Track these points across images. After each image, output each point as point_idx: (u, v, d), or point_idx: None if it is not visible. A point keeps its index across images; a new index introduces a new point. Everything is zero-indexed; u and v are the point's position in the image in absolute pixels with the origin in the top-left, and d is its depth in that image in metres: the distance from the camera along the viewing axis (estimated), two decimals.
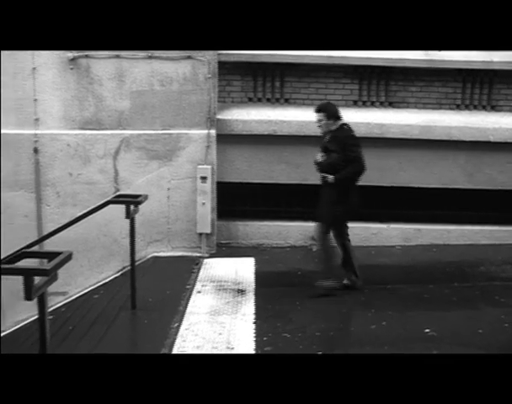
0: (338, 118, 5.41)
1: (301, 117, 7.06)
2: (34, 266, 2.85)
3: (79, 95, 6.78)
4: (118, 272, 6.91)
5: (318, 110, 5.45)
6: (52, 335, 5.80)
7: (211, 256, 6.87)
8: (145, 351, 4.49)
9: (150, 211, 6.49)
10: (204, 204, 6.78)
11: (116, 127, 6.77)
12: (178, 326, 4.80)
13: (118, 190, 6.68)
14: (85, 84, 6.80)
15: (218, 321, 4.93)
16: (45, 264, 2.91)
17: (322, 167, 5.46)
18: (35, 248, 4.74)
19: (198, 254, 6.87)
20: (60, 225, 5.39)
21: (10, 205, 6.85)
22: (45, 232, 6.70)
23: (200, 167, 6.77)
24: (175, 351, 4.34)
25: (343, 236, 5.63)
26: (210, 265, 6.53)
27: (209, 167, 6.77)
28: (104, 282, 6.87)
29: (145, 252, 6.71)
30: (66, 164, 6.76)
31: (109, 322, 5.20)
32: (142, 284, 5.50)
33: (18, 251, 5.26)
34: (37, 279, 2.86)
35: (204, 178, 6.73)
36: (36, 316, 6.76)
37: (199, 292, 5.64)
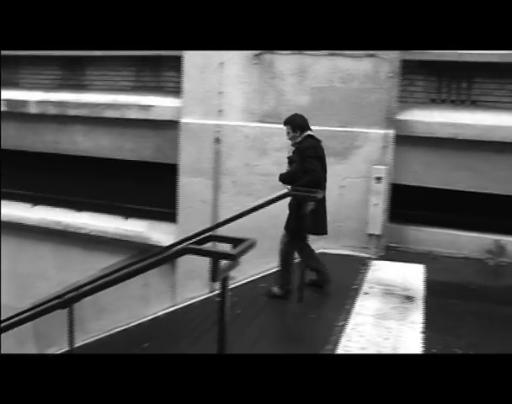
0: (303, 129, 5.40)
1: (488, 121, 6.59)
2: (222, 250, 2.95)
3: (261, 89, 6.99)
4: None
5: (285, 123, 5.48)
6: None
7: (379, 258, 6.70)
8: (309, 345, 4.52)
9: None
10: (376, 204, 6.62)
11: None
12: (344, 325, 4.75)
13: None
14: (267, 79, 7.00)
15: (384, 325, 4.79)
16: (231, 250, 3.02)
17: (281, 178, 5.40)
18: (211, 233, 5.00)
19: (366, 255, 6.74)
20: (237, 213, 5.62)
21: (190, 190, 7.29)
22: (220, 218, 7.04)
23: (375, 167, 6.61)
24: (340, 349, 4.30)
25: (296, 248, 5.61)
26: (378, 267, 6.37)
27: (384, 167, 6.59)
28: (269, 272, 7.04)
29: (312, 247, 6.74)
30: (243, 155, 7.02)
31: (276, 312, 5.32)
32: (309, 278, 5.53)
33: (202, 232, 5.59)
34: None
35: (378, 179, 6.56)
36: (204, 296, 7.17)
37: (366, 293, 5.54)
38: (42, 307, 5.15)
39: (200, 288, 7.59)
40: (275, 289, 5.66)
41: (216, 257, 2.87)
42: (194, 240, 3.33)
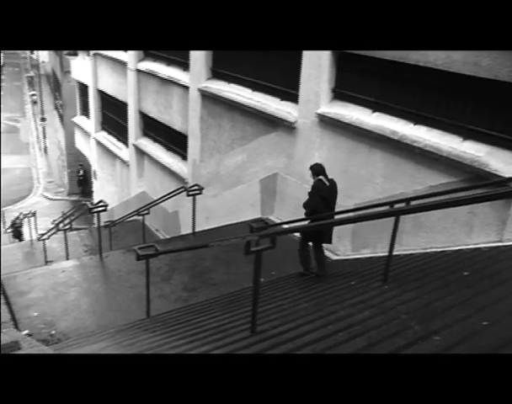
0: (317, 175, 7.35)
1: None
2: None
3: None
4: None
5: (310, 169, 7.53)
6: None
7: None
8: None
9: None
10: None
11: None
12: None
13: None
14: None
15: None
16: None
17: (303, 206, 7.44)
18: None
19: None
20: None
21: None
22: None
23: None
24: None
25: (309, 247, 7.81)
26: None
27: None
28: None
29: None
30: None
31: None
32: None
33: None
34: None
35: None
36: None
37: None
38: (368, 212, 5.28)
39: None
40: (302, 271, 7.95)
41: None
42: None
